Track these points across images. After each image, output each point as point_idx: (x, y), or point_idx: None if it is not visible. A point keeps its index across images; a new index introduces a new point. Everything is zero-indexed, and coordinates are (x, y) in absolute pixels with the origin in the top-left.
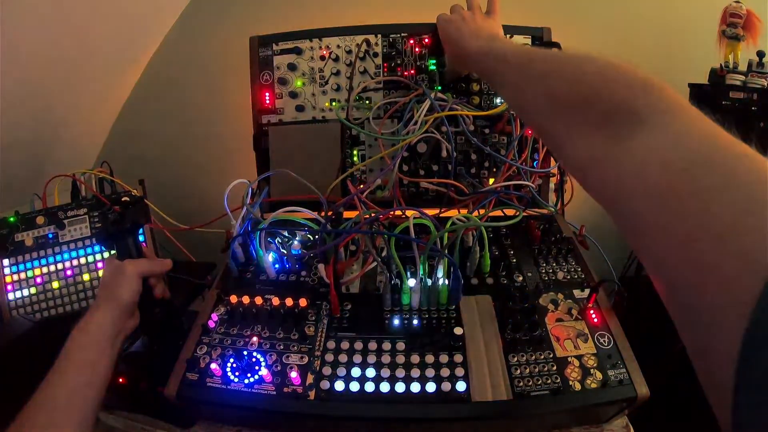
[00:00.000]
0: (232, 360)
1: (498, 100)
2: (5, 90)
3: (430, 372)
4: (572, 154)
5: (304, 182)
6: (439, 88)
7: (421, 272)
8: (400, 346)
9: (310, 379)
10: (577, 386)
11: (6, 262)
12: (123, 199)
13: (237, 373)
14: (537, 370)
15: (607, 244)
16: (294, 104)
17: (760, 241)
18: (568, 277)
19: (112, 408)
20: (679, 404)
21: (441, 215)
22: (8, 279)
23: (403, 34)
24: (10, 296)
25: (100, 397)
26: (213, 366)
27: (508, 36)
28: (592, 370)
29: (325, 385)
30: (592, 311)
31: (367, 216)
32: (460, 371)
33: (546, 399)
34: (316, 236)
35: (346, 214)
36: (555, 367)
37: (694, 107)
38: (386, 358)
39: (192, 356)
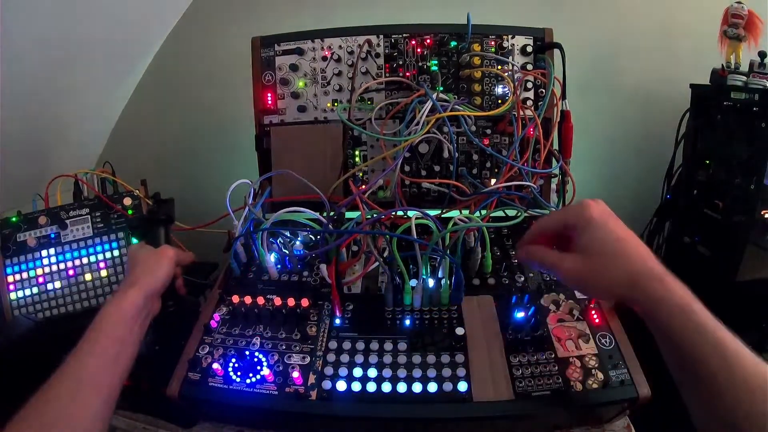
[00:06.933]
0: (234, 360)
1: (499, 101)
2: (7, 89)
3: (431, 372)
4: None
5: (306, 182)
6: (441, 88)
7: (423, 273)
8: (402, 346)
9: (312, 379)
10: (579, 386)
11: (8, 261)
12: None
13: (239, 373)
14: (538, 370)
15: None
16: (296, 105)
17: None
18: None
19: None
20: (681, 404)
21: (443, 216)
22: (10, 278)
23: (404, 35)
24: (12, 296)
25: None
26: (215, 366)
27: (509, 39)
28: (593, 371)
29: (326, 385)
30: (593, 312)
31: (369, 216)
32: (461, 371)
33: (547, 399)
34: (318, 236)
35: (348, 215)
36: (556, 368)
37: None
38: (388, 358)
39: (194, 356)
